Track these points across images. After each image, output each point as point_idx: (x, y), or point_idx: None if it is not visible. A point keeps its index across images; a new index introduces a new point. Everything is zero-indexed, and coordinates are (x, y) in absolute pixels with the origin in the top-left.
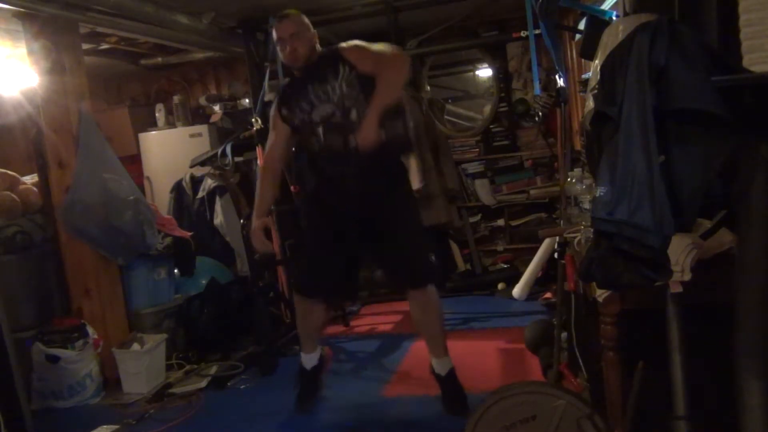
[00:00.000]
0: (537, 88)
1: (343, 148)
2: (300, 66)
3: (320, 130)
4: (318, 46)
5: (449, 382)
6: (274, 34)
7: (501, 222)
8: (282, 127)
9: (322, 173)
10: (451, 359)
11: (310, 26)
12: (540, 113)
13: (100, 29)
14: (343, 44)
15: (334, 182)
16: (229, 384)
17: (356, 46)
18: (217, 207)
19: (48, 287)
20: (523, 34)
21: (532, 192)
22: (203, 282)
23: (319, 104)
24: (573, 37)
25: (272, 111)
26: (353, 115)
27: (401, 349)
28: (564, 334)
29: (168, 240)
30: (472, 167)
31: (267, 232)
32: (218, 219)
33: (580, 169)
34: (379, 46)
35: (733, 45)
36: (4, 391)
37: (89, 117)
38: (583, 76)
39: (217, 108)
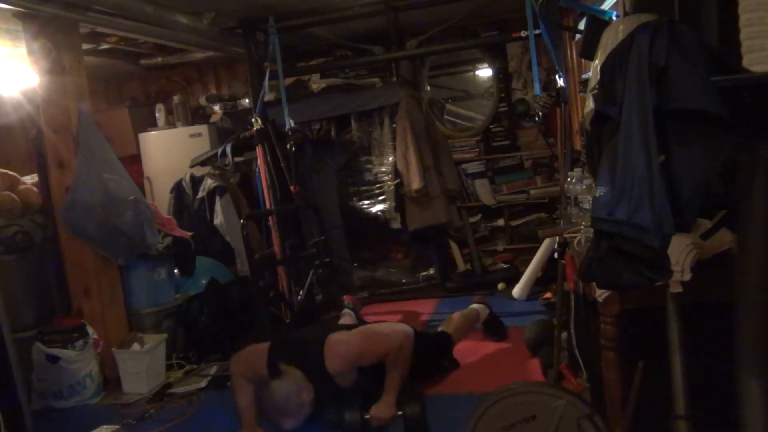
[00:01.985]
0: (537, 88)
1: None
2: None
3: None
4: (309, 392)
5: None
6: None
7: (501, 222)
8: (249, 387)
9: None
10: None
11: (295, 401)
12: (540, 113)
13: (100, 29)
14: (332, 360)
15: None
16: (229, 384)
17: (350, 354)
18: (217, 207)
19: (48, 287)
20: (523, 34)
21: (532, 192)
22: (203, 282)
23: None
24: (573, 37)
25: (241, 365)
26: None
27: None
28: (564, 334)
29: (168, 240)
30: (472, 167)
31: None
32: (218, 219)
33: (580, 169)
34: (378, 344)
35: (733, 45)
36: (4, 391)
37: (89, 117)
38: (583, 76)
39: (217, 108)
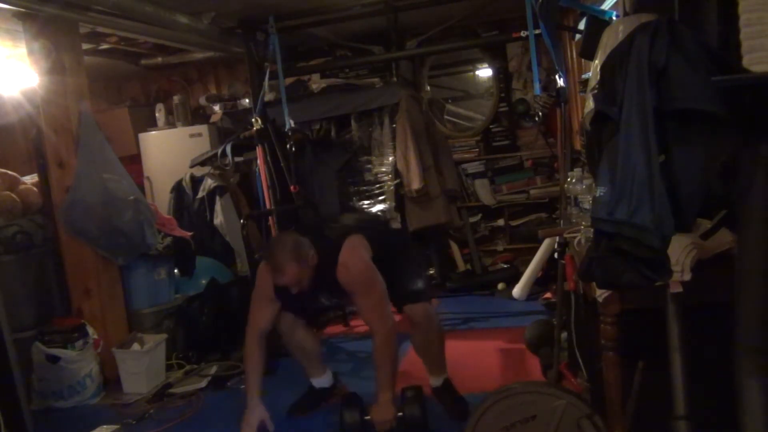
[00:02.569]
0: (537, 88)
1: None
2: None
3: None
4: (312, 258)
5: (446, 392)
6: (272, 278)
7: (501, 222)
8: (272, 304)
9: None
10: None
11: (300, 255)
12: (540, 113)
13: (100, 29)
14: (342, 264)
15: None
16: (229, 384)
17: (355, 280)
18: (217, 207)
19: (48, 287)
20: (523, 34)
21: (532, 192)
22: (203, 282)
23: (313, 302)
24: (573, 37)
25: (264, 290)
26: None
27: (401, 349)
28: (564, 334)
29: (168, 240)
30: (472, 167)
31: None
32: (218, 219)
33: (580, 169)
34: (375, 298)
35: (733, 45)
36: (4, 391)
37: (89, 117)
38: (583, 76)
39: (217, 108)
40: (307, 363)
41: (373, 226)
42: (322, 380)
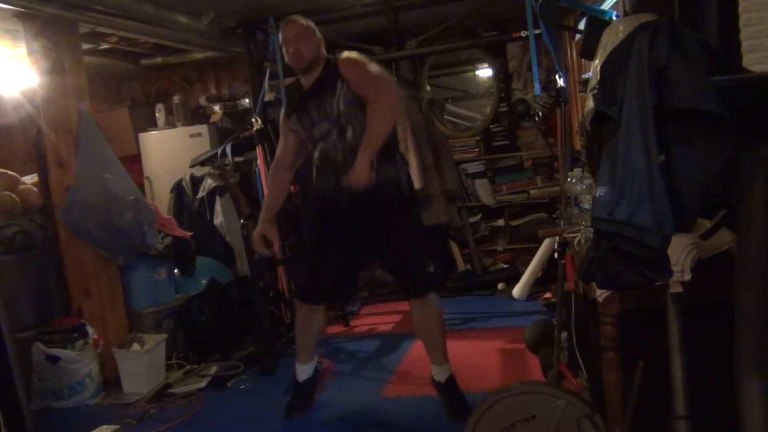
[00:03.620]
0: (537, 88)
1: (335, 182)
2: (303, 68)
3: (319, 146)
4: (324, 52)
5: (449, 389)
6: (280, 35)
7: (501, 222)
8: (290, 135)
9: (321, 188)
10: (451, 365)
11: (316, 31)
12: (540, 113)
13: (100, 29)
14: (342, 56)
15: (333, 200)
16: (229, 384)
17: (352, 62)
18: (217, 207)
19: (48, 287)
20: (523, 34)
21: (532, 192)
22: (203, 282)
23: (319, 121)
24: (573, 37)
25: (281, 118)
26: (349, 133)
27: (401, 349)
28: (564, 334)
29: (168, 240)
30: (472, 167)
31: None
32: (218, 219)
33: (580, 169)
34: (374, 68)
35: (733, 45)
36: (4, 391)
37: (89, 117)
38: (583, 76)
39: (217, 108)
40: (301, 345)
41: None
42: (306, 369)
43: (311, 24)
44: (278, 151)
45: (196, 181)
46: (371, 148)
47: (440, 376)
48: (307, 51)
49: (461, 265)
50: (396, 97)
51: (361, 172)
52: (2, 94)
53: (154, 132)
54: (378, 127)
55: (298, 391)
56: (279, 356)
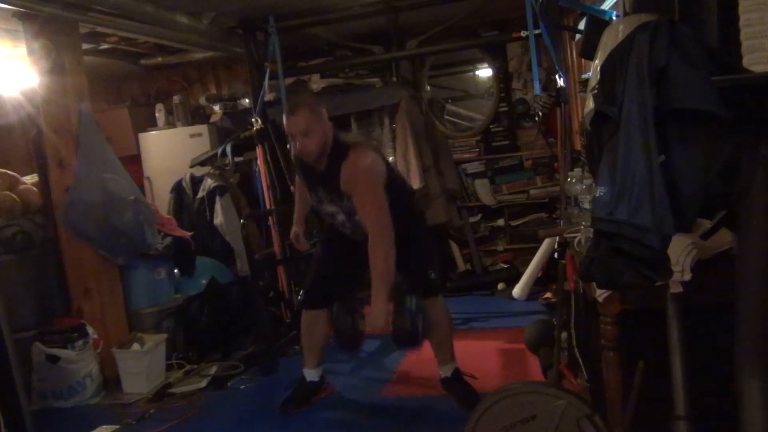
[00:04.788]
0: (537, 88)
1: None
2: (311, 160)
3: (328, 218)
4: (331, 137)
5: (456, 381)
6: (285, 125)
7: (501, 222)
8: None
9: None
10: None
11: (322, 115)
12: (540, 113)
13: (100, 29)
14: (349, 158)
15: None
16: (229, 384)
17: (352, 177)
18: (217, 207)
19: (48, 287)
20: (523, 34)
21: (532, 192)
22: (203, 282)
23: (328, 203)
24: (573, 37)
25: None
26: (357, 217)
27: (401, 350)
28: (564, 334)
29: (168, 240)
30: (472, 167)
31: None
32: (218, 219)
33: (580, 169)
34: (370, 195)
35: (733, 45)
36: (4, 391)
37: (89, 117)
38: (583, 76)
39: (217, 108)
40: (309, 352)
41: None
42: (314, 373)
43: (316, 110)
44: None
45: (196, 181)
46: (383, 292)
47: (446, 372)
48: (315, 145)
49: (461, 265)
50: (389, 232)
51: (377, 319)
52: (2, 94)
53: (154, 132)
54: (380, 271)
55: (301, 388)
56: (279, 356)
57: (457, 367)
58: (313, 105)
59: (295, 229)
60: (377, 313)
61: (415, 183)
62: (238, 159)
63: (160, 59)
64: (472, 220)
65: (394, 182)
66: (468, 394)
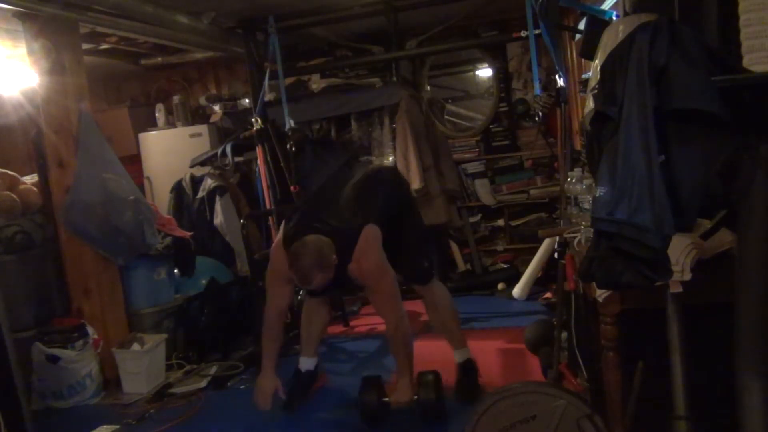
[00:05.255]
0: (537, 88)
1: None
2: None
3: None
4: (335, 260)
5: (463, 370)
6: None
7: (501, 222)
8: (290, 284)
9: None
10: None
11: (324, 259)
12: (540, 113)
13: (100, 29)
14: (355, 261)
15: None
16: (229, 384)
17: (366, 276)
18: (217, 207)
19: (48, 287)
20: (523, 34)
21: (532, 192)
22: (203, 282)
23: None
24: (573, 37)
25: (278, 270)
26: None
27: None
28: (564, 334)
29: (168, 240)
30: (472, 167)
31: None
32: (218, 219)
33: (580, 169)
34: (385, 290)
35: (733, 45)
36: (4, 391)
37: (89, 117)
38: (583, 76)
39: (217, 108)
40: (307, 339)
41: (384, 187)
42: (310, 361)
43: (319, 258)
44: (276, 300)
45: (196, 181)
46: (407, 372)
47: (459, 357)
48: (317, 283)
49: (461, 265)
50: (400, 313)
51: (403, 395)
52: (2, 94)
53: (154, 132)
54: (402, 353)
55: (298, 379)
56: (279, 356)
57: (471, 357)
58: (319, 261)
59: (268, 384)
60: (403, 387)
61: (415, 183)
62: (238, 159)
63: (160, 59)
64: (472, 220)
65: (388, 212)
66: (468, 387)
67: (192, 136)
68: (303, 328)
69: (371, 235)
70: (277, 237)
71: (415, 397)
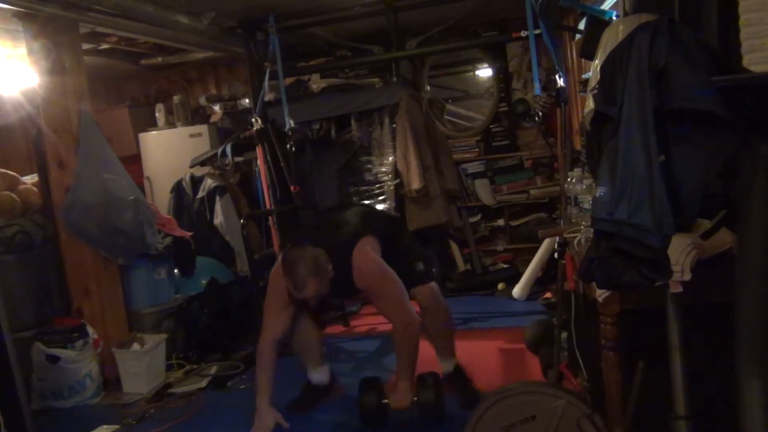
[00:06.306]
0: (537, 88)
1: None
2: None
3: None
4: (331, 271)
5: (458, 377)
6: (292, 292)
7: (501, 222)
8: (289, 309)
9: None
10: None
11: (321, 271)
12: (540, 113)
13: (100, 29)
14: (356, 270)
15: None
16: (229, 384)
17: (370, 283)
18: (217, 207)
19: (48, 287)
20: (523, 34)
21: (532, 192)
22: (203, 282)
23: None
24: (573, 37)
25: (276, 296)
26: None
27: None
28: (564, 334)
29: (168, 240)
30: (472, 167)
31: None
32: (218, 219)
33: (580, 169)
34: (392, 294)
35: (733, 45)
36: (4, 391)
37: (89, 117)
38: (583, 76)
39: (217, 108)
40: (306, 356)
41: (376, 214)
42: (319, 375)
43: (314, 265)
44: (272, 328)
45: (196, 181)
46: (408, 376)
47: (448, 366)
48: (324, 290)
49: (461, 265)
50: (409, 317)
51: (403, 400)
52: (2, 94)
53: (154, 132)
54: (406, 357)
55: (308, 389)
56: (279, 356)
57: (458, 362)
58: (315, 270)
59: (267, 418)
60: (403, 391)
61: (415, 183)
62: (238, 159)
63: (160, 59)
64: (472, 220)
65: (383, 232)
66: (469, 392)
67: (192, 136)
68: (293, 344)
69: (368, 242)
70: (276, 263)
71: (415, 398)
